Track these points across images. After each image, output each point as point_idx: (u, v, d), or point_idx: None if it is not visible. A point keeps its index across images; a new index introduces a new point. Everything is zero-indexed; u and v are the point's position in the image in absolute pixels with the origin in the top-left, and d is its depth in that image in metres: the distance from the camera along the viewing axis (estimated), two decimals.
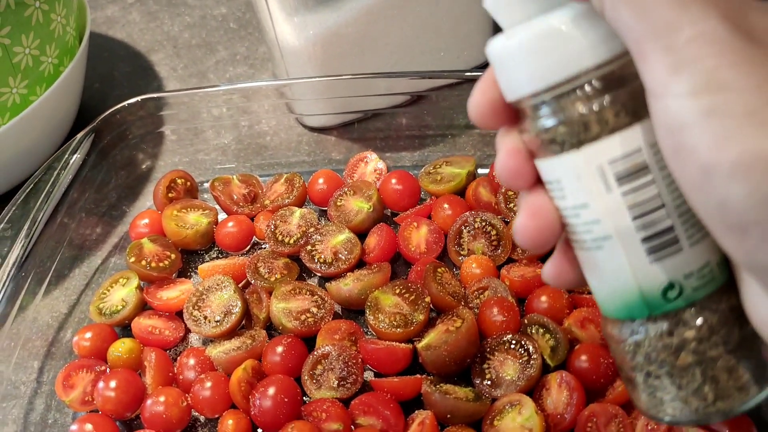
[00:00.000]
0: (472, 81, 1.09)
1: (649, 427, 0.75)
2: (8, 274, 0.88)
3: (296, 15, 1.00)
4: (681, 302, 0.47)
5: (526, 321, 0.84)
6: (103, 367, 0.89)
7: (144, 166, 1.12)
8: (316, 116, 1.12)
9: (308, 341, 0.88)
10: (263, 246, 1.00)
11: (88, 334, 0.91)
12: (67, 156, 0.97)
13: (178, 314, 0.94)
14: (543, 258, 0.92)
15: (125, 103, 1.04)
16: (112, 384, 0.84)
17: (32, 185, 0.95)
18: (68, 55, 1.08)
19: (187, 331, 0.93)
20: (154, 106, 1.07)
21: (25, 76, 1.00)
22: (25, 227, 0.91)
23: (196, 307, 0.90)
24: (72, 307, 0.99)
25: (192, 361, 0.87)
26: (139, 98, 1.04)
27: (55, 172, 0.96)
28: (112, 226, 1.07)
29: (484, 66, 1.17)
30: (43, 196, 0.94)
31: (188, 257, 1.02)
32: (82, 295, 1.00)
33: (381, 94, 1.05)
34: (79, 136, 0.99)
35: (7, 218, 0.92)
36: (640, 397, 0.52)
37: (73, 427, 0.83)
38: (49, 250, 0.97)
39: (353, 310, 0.92)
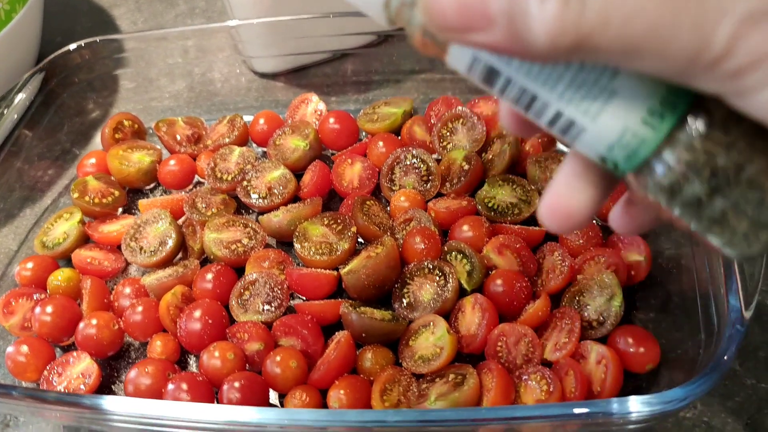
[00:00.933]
0: None
1: (558, 346, 0.78)
2: None
3: None
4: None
5: (446, 248, 0.87)
6: (42, 296, 0.91)
7: (97, 113, 1.15)
8: (264, 60, 1.14)
9: (239, 271, 0.91)
10: (205, 184, 1.03)
11: (30, 264, 0.94)
12: (12, 95, 1.00)
13: (119, 248, 0.96)
14: (472, 194, 0.94)
15: (73, 45, 1.06)
16: (48, 309, 0.87)
17: None
18: (21, 2, 1.10)
19: (128, 264, 0.96)
20: (107, 50, 1.10)
21: None
22: None
23: (134, 239, 0.93)
24: (20, 243, 1.02)
25: (128, 290, 0.90)
26: (86, 40, 1.06)
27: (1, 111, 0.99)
28: (63, 168, 1.10)
29: None
30: None
31: (134, 196, 1.05)
32: (30, 233, 1.03)
33: (328, 35, 1.07)
34: (25, 75, 1.02)
35: None
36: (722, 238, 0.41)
37: (10, 348, 0.86)
38: (1, 190, 1.01)
39: (285, 243, 0.95)
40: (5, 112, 0.98)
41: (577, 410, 0.61)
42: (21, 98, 1.00)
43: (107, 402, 0.67)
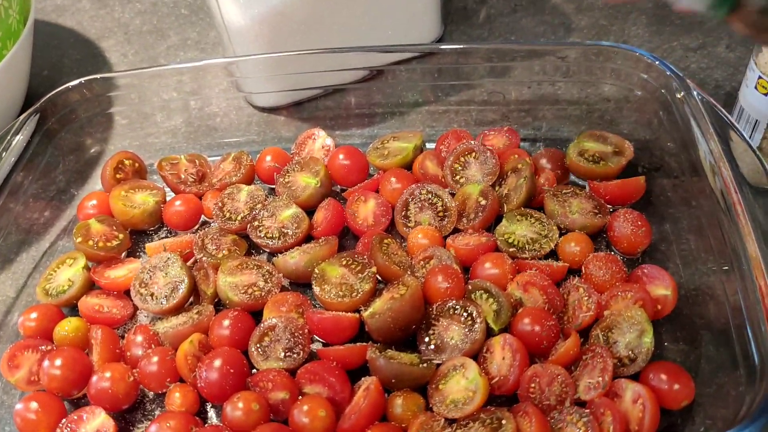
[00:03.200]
0: (422, 57, 1.11)
1: (592, 385, 0.77)
2: None
3: None
4: None
5: (470, 287, 0.85)
6: (48, 347, 0.88)
7: (93, 150, 1.12)
8: (264, 95, 1.12)
9: (255, 315, 0.88)
10: (212, 224, 1.00)
11: (34, 314, 0.90)
12: (9, 137, 0.96)
13: (127, 293, 0.93)
14: (488, 228, 0.93)
15: (71, 83, 1.03)
16: (57, 362, 0.84)
17: None
18: (12, 38, 1.07)
19: (136, 309, 0.93)
20: (102, 87, 1.06)
21: None
22: None
23: (143, 285, 0.90)
24: (19, 290, 0.98)
25: (140, 338, 0.86)
26: (83, 79, 1.03)
27: None
28: (60, 209, 1.06)
29: (431, 44, 1.19)
30: None
31: (138, 237, 1.01)
32: (30, 278, 0.99)
33: (329, 70, 1.06)
34: (22, 116, 0.98)
35: None
36: None
37: (19, 405, 0.82)
38: None
39: (301, 284, 0.92)
40: (3, 155, 0.94)
41: None
42: (18, 140, 0.97)
43: None
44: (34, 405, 0.82)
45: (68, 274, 0.94)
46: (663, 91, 0.94)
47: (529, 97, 1.09)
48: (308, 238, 0.95)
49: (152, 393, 0.86)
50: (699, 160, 0.86)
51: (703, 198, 0.87)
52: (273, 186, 1.02)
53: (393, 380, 0.78)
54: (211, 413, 0.84)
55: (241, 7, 1.02)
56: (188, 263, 0.93)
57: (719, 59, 1.14)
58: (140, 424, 0.84)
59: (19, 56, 1.08)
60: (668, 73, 0.92)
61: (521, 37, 1.24)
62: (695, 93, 0.88)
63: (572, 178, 1.00)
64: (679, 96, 0.90)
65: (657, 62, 0.93)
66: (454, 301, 0.83)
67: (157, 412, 0.84)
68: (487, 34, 1.25)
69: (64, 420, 0.81)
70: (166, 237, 1.00)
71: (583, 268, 0.87)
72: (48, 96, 1.02)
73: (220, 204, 0.97)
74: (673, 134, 0.94)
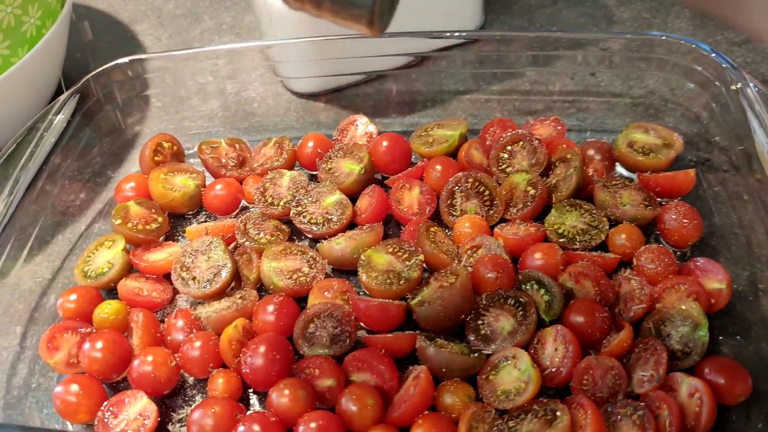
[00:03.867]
0: (463, 46, 1.09)
1: (645, 379, 0.75)
2: None
3: None
4: None
5: (520, 277, 0.84)
6: (88, 329, 0.86)
7: (129, 133, 1.10)
8: (303, 80, 1.10)
9: (299, 301, 0.87)
10: (252, 209, 0.99)
11: (73, 296, 0.89)
12: (50, 117, 0.95)
13: (166, 277, 0.92)
14: (536, 218, 0.92)
15: (111, 63, 1.02)
16: (99, 345, 0.82)
17: (14, 146, 0.93)
18: (50, 18, 1.05)
19: (175, 293, 0.91)
20: (140, 69, 1.05)
21: (7, 36, 0.98)
22: (8, 186, 0.88)
23: (185, 269, 0.89)
24: (55, 272, 0.96)
25: (180, 323, 0.85)
26: (128, 58, 1.02)
27: (38, 133, 0.93)
28: (96, 192, 1.05)
29: (475, 31, 1.17)
30: (26, 156, 0.91)
31: (175, 221, 1.00)
32: (66, 260, 0.98)
33: (370, 56, 1.04)
34: (63, 96, 0.97)
35: None
36: None
37: (58, 388, 0.81)
38: (30, 216, 0.95)
39: (344, 271, 0.91)
40: (45, 134, 0.93)
41: None
42: (59, 120, 0.95)
43: None
44: (74, 387, 0.81)
45: (107, 256, 0.92)
46: (717, 83, 0.92)
47: (573, 88, 1.07)
48: (351, 225, 0.94)
49: (192, 379, 0.84)
50: (754, 153, 0.84)
51: (757, 192, 0.85)
52: (314, 172, 1.01)
53: (443, 369, 0.77)
54: (253, 399, 0.82)
55: None
56: (229, 247, 0.92)
57: (765, 53, 1.12)
58: (180, 409, 0.82)
59: (57, 36, 1.06)
60: (724, 65, 0.90)
61: (563, 29, 1.22)
62: (752, 85, 0.86)
63: (618, 170, 0.98)
64: (734, 88, 0.88)
65: (713, 54, 0.92)
66: (505, 291, 0.82)
67: (197, 398, 0.83)
68: (527, 25, 1.23)
69: (105, 403, 0.80)
70: (205, 221, 0.99)
71: (634, 260, 0.86)
72: (89, 76, 1.00)
73: (261, 189, 0.96)
74: (724, 127, 0.92)
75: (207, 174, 1.02)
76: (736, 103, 0.88)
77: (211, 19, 1.33)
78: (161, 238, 0.96)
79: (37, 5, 1.01)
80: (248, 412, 0.79)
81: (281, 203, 0.95)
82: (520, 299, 0.80)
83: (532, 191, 0.91)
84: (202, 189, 0.99)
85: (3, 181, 0.91)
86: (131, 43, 1.30)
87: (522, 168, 0.95)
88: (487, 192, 0.92)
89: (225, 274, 0.87)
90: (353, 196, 0.96)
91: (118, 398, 0.80)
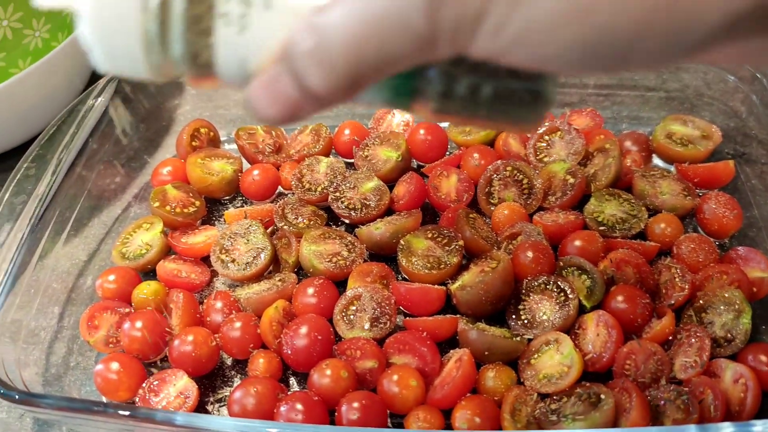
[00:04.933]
0: None
1: (689, 364, 0.75)
2: (34, 211, 0.86)
3: None
4: None
5: (561, 263, 0.84)
6: (127, 309, 0.87)
7: (165, 119, 1.11)
8: None
9: (338, 285, 0.87)
10: (289, 195, 0.99)
11: (112, 277, 0.89)
12: (90, 100, 0.95)
13: (204, 260, 0.92)
14: (575, 208, 0.92)
15: None
16: (138, 324, 0.83)
17: (55, 128, 0.93)
18: None
19: (213, 276, 0.92)
20: None
21: (48, 20, 0.98)
22: (51, 168, 0.89)
23: (224, 251, 0.89)
24: (92, 254, 0.97)
25: (219, 304, 0.85)
26: None
27: (80, 116, 0.94)
28: (132, 176, 1.06)
29: None
30: (66, 139, 0.92)
31: (211, 206, 1.00)
32: (102, 243, 0.98)
33: None
34: (102, 81, 0.98)
35: (32, 157, 0.90)
36: None
37: (99, 366, 0.81)
38: (69, 199, 0.95)
39: (382, 257, 0.91)
40: (85, 118, 0.93)
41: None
42: (99, 102, 0.96)
43: (247, 425, 0.63)
44: (115, 365, 0.81)
45: (146, 238, 0.93)
46: (758, 75, 0.92)
47: (607, 81, 1.07)
48: (388, 212, 0.94)
49: (231, 360, 0.85)
50: None
51: None
52: (350, 159, 1.01)
53: (486, 353, 0.77)
54: (292, 381, 0.82)
55: None
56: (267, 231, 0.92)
57: None
58: (220, 390, 0.82)
59: None
60: None
61: None
62: None
63: (655, 161, 0.98)
64: None
65: None
66: (546, 277, 0.82)
67: (236, 380, 0.83)
68: None
69: (146, 381, 0.80)
70: (242, 206, 0.99)
71: (674, 248, 0.86)
72: None
73: (299, 175, 0.96)
74: (763, 120, 0.92)
75: (243, 160, 1.03)
76: None
77: None
78: (198, 221, 0.97)
79: None
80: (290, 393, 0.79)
81: (319, 189, 0.95)
82: (561, 285, 0.81)
83: (571, 180, 0.91)
84: (239, 174, 0.99)
85: (44, 164, 0.91)
86: None
87: (560, 157, 0.95)
88: (525, 180, 0.93)
89: (264, 256, 0.87)
90: (390, 183, 0.96)
91: (159, 377, 0.80)
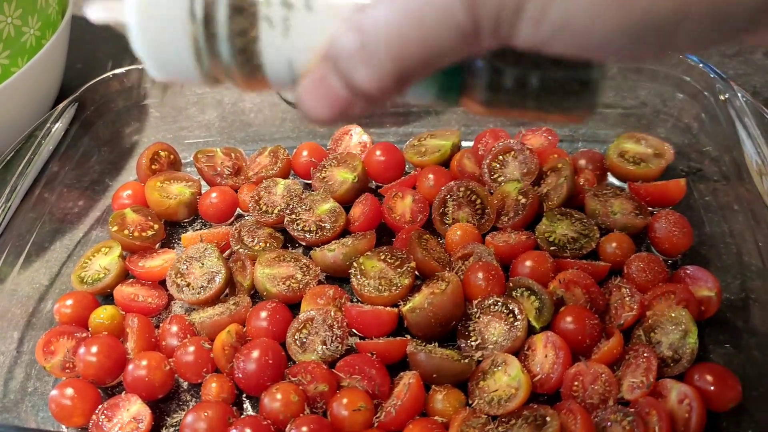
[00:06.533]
0: None
1: (636, 385, 0.76)
2: None
3: None
4: None
5: (511, 284, 0.85)
6: (84, 334, 0.87)
7: (127, 142, 1.11)
8: None
9: (292, 308, 0.87)
10: (246, 217, 1.00)
11: (69, 301, 0.89)
12: (49, 125, 0.96)
13: (161, 283, 0.93)
14: (527, 227, 0.93)
15: (110, 73, 1.03)
16: (93, 349, 0.83)
17: (13, 153, 0.94)
18: (50, 29, 1.07)
19: (170, 300, 0.92)
20: (138, 79, 1.07)
21: (7, 46, 0.99)
22: (5, 193, 0.90)
23: (179, 275, 0.90)
24: (53, 278, 0.97)
25: (175, 328, 0.86)
26: (125, 69, 1.03)
27: (37, 141, 0.95)
28: (94, 200, 1.06)
29: None
30: (24, 163, 0.93)
31: (171, 229, 1.01)
32: (63, 267, 0.99)
33: None
34: (62, 105, 0.98)
35: None
36: None
37: (54, 392, 0.81)
38: (28, 223, 0.96)
39: (337, 278, 0.92)
40: (42, 142, 0.94)
41: None
42: (57, 128, 0.97)
43: None
44: (69, 391, 0.81)
45: (104, 262, 0.93)
46: (706, 93, 0.93)
47: None
48: (344, 233, 0.95)
49: (186, 383, 0.85)
50: (744, 164, 0.85)
51: (747, 201, 0.86)
52: (309, 181, 1.02)
53: (434, 375, 0.78)
54: (247, 404, 0.83)
55: None
56: (223, 255, 0.92)
57: (756, 66, 1.13)
58: (175, 414, 0.83)
59: (56, 46, 1.08)
60: (712, 75, 0.92)
61: None
62: (740, 95, 0.87)
63: (609, 179, 0.99)
64: (722, 98, 0.90)
65: (700, 64, 0.93)
66: (495, 298, 0.82)
67: (191, 403, 0.83)
68: None
69: (100, 407, 0.80)
70: (201, 229, 1.00)
71: (624, 268, 0.86)
72: (87, 85, 1.02)
73: (256, 197, 0.97)
74: (714, 137, 0.93)
75: (203, 183, 1.03)
76: (725, 113, 0.89)
77: None
78: (157, 245, 0.97)
79: (36, 16, 1.03)
80: (241, 417, 0.79)
81: (275, 211, 0.96)
82: (510, 306, 0.81)
83: (523, 200, 0.92)
84: (197, 197, 1.00)
85: (0, 187, 0.92)
86: (130, 55, 1.30)
87: (513, 177, 0.96)
88: (478, 201, 0.93)
89: (219, 280, 0.88)
90: (347, 205, 0.97)
91: (113, 402, 0.81)
